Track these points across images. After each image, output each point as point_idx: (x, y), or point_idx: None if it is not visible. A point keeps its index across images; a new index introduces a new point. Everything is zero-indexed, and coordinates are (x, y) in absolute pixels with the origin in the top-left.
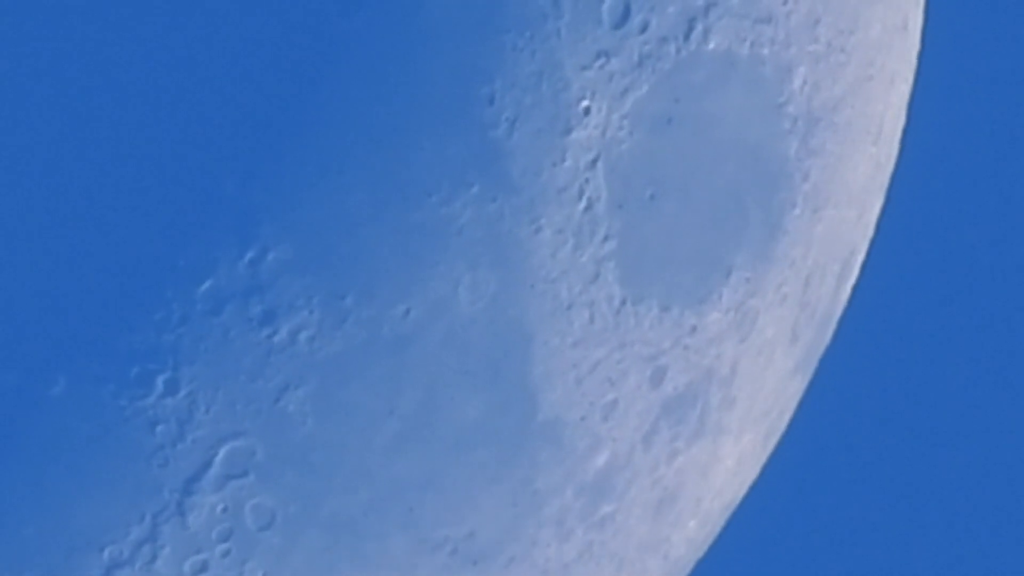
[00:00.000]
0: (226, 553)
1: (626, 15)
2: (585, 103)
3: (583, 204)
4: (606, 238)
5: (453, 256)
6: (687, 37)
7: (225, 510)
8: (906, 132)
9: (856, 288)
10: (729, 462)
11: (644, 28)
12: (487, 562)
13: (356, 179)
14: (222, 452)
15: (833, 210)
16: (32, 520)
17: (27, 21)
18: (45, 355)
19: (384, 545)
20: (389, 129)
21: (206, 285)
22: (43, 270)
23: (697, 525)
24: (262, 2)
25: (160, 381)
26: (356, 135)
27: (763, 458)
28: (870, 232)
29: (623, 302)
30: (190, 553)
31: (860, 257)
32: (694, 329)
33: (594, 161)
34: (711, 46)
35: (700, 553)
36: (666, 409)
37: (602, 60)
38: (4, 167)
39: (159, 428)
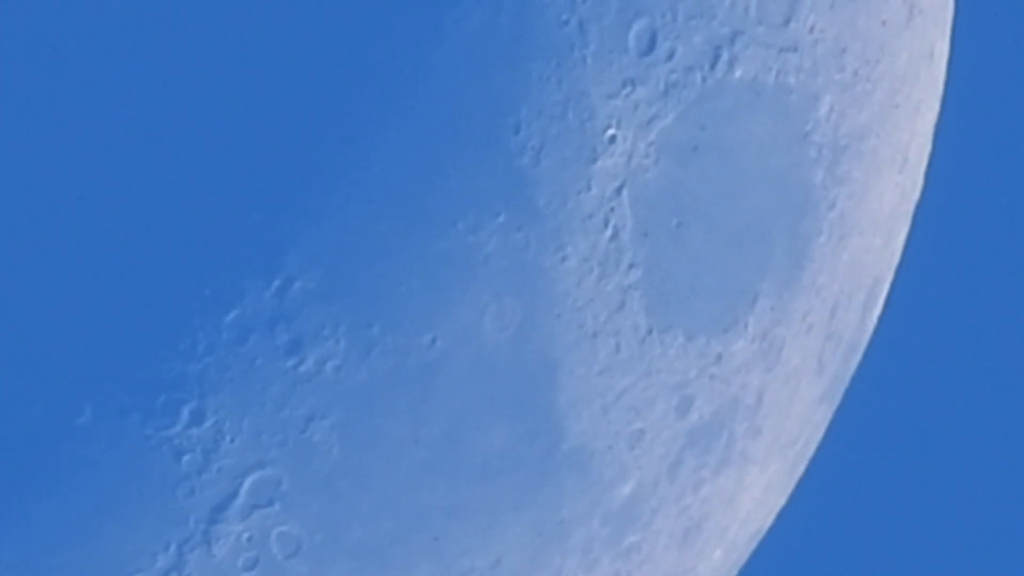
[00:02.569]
0: None
1: (652, 44)
2: (611, 131)
3: (609, 232)
4: (631, 266)
5: (479, 285)
6: (713, 66)
7: (251, 539)
8: (932, 160)
9: (882, 316)
10: (755, 491)
11: (670, 56)
12: None
13: (382, 208)
14: (248, 481)
15: (859, 238)
16: (58, 550)
17: (53, 51)
18: (71, 385)
19: (410, 574)
20: (415, 158)
21: (232, 314)
22: (69, 300)
23: (723, 554)
24: (287, 32)
25: (186, 411)
26: (382, 164)
27: (789, 487)
28: (896, 260)
29: (649, 331)
30: None
31: (886, 285)
32: (720, 358)
33: (620, 189)
34: (737, 75)
35: None
36: (692, 438)
37: (628, 88)
38: (30, 196)
39: (185, 457)
